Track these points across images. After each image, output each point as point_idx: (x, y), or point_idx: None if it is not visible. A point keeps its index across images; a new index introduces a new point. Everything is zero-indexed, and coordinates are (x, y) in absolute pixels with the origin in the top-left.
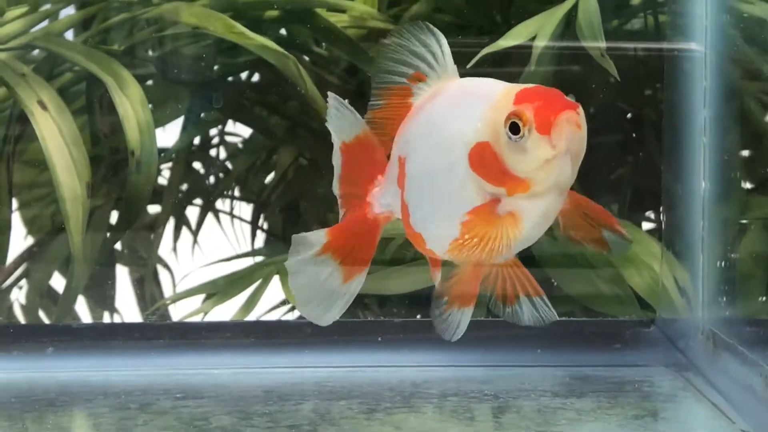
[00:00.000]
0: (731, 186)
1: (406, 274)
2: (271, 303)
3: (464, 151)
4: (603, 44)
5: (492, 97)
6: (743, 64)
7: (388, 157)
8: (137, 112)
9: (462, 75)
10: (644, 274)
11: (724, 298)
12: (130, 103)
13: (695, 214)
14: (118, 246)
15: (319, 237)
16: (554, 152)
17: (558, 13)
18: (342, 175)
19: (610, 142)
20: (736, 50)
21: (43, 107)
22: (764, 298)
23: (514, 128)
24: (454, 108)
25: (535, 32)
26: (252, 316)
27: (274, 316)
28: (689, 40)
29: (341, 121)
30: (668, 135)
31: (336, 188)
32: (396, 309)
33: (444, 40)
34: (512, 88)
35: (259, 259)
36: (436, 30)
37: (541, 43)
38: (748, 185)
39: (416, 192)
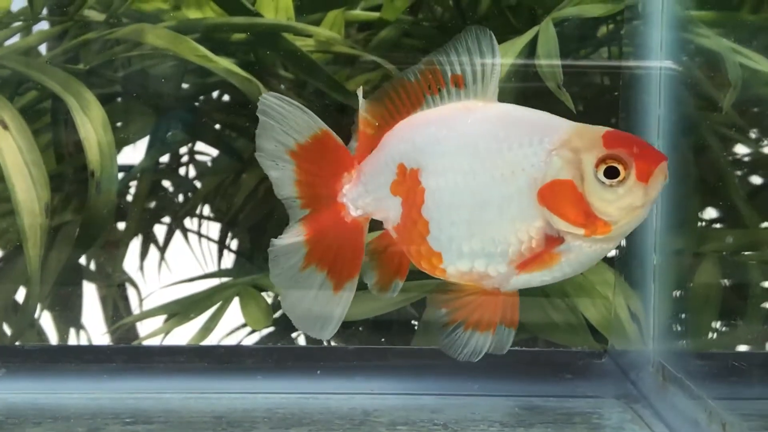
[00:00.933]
0: (685, 216)
1: (367, 299)
2: (232, 325)
3: (530, 184)
4: (560, 77)
5: (559, 133)
6: (699, 96)
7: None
8: (98, 134)
9: None
10: (598, 303)
11: (675, 331)
12: (91, 124)
13: (649, 243)
14: (84, 262)
15: (298, 246)
16: (646, 200)
17: (519, 43)
18: (301, 180)
19: None
20: (691, 82)
21: (5, 126)
22: (713, 332)
23: (612, 172)
24: (508, 136)
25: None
26: (212, 338)
27: (234, 338)
28: (644, 70)
29: (292, 121)
30: None
31: (291, 192)
32: (358, 335)
33: (498, 59)
34: (585, 128)
35: (222, 280)
36: (496, 45)
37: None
38: (704, 216)
39: (448, 211)
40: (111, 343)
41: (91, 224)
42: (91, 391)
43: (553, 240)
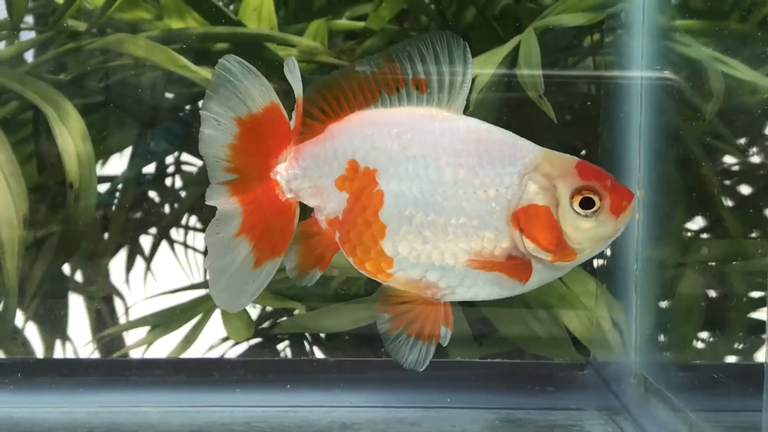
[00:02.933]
0: (668, 227)
1: (345, 312)
2: (216, 336)
3: (503, 204)
4: (541, 86)
5: (530, 157)
6: (682, 106)
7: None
8: (77, 145)
9: None
10: (581, 314)
11: (657, 342)
12: (70, 135)
13: (630, 254)
14: (69, 274)
15: (235, 213)
16: (614, 233)
17: (500, 53)
18: (238, 145)
19: None
20: (673, 91)
21: None
22: (695, 344)
23: (587, 203)
24: (479, 153)
25: (478, 71)
26: (194, 350)
27: (218, 351)
28: (627, 80)
29: (249, 88)
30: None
31: (220, 153)
32: (338, 347)
33: (471, 71)
34: (555, 155)
35: (204, 291)
36: (470, 57)
37: (481, 82)
38: (687, 227)
39: (409, 219)
40: (88, 357)
41: (70, 235)
42: (67, 405)
43: (516, 261)
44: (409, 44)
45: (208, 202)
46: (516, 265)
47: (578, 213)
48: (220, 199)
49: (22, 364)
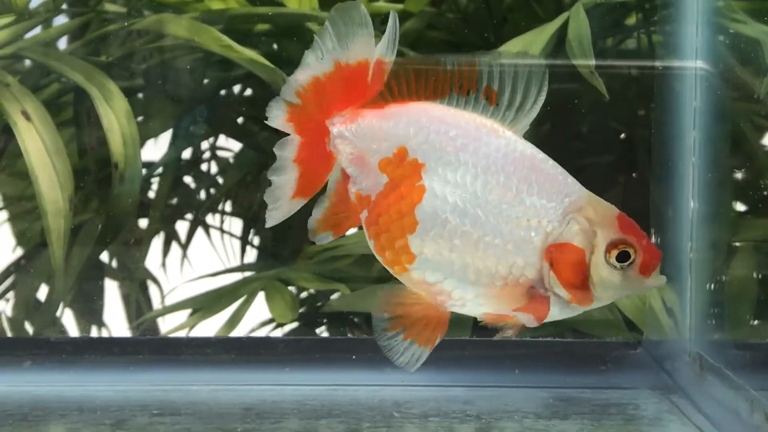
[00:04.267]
0: (721, 207)
1: None
2: (257, 319)
3: (541, 236)
4: (592, 62)
5: (574, 197)
6: (735, 85)
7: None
8: (122, 125)
9: None
10: (632, 295)
11: (712, 321)
12: (114, 115)
13: (684, 235)
14: (105, 259)
15: (294, 141)
16: (640, 291)
17: (548, 30)
18: (323, 82)
19: (603, 162)
20: (727, 70)
21: (27, 118)
22: (752, 322)
23: (624, 257)
24: (529, 180)
25: (525, 50)
26: (237, 332)
27: (260, 332)
28: (679, 60)
29: (358, 39)
30: (658, 155)
31: (302, 79)
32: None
33: (543, 98)
34: (598, 200)
35: (246, 274)
36: (546, 85)
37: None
38: (739, 207)
39: (443, 224)
40: (138, 336)
41: (115, 217)
42: (117, 383)
43: (534, 295)
44: (495, 54)
45: (268, 114)
46: (531, 309)
47: (612, 265)
48: (279, 119)
49: (72, 343)
